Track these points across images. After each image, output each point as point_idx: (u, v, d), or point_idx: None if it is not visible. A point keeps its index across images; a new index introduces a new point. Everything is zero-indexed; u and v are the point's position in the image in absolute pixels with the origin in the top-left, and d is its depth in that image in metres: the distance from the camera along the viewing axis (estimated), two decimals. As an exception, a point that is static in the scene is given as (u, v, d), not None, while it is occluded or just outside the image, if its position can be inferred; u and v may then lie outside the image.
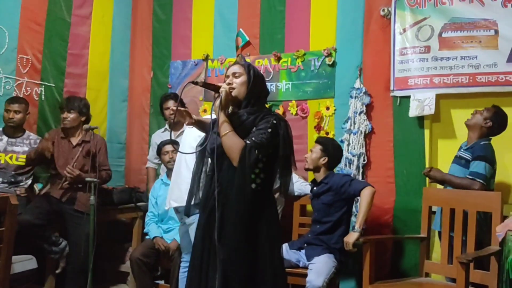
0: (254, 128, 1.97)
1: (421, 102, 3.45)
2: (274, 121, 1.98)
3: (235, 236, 1.90)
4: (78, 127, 3.55)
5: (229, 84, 2.03)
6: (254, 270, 1.95)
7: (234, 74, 2.05)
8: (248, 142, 1.91)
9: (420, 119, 3.52)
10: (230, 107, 2.05)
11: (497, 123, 3.02)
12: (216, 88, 2.02)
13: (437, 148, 3.50)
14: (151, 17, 4.83)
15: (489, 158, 2.92)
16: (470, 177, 2.88)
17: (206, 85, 2.07)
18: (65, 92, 4.18)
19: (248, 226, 1.93)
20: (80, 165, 3.46)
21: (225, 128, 1.93)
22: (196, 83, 2.03)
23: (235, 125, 1.97)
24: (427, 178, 3.43)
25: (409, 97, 3.53)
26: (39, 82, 4.00)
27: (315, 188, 3.26)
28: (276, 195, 2.21)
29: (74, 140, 3.53)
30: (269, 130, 1.94)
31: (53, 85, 4.10)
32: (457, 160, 3.06)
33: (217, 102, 1.97)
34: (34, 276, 3.32)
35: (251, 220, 1.94)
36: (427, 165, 3.48)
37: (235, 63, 2.14)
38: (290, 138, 2.05)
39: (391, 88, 3.62)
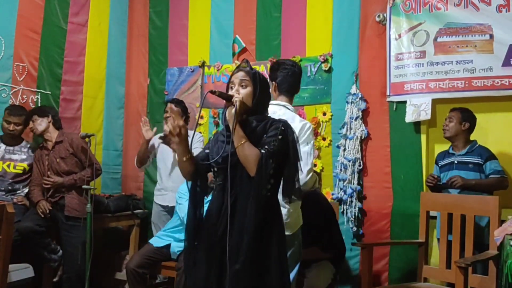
0: (265, 135, 1.96)
1: (417, 107, 3.46)
2: (283, 128, 1.97)
3: (250, 246, 1.88)
4: (46, 130, 3.51)
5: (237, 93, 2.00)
6: (263, 280, 1.93)
7: (240, 83, 2.02)
8: (263, 151, 1.90)
9: (417, 124, 3.53)
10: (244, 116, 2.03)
11: (471, 118, 3.16)
12: (229, 97, 1.98)
13: (433, 152, 3.50)
14: (147, 24, 4.84)
15: (495, 156, 3.06)
16: (499, 175, 3.01)
17: (222, 95, 2.01)
18: (61, 99, 4.18)
19: (261, 234, 1.92)
20: (60, 168, 3.46)
21: (240, 139, 1.91)
22: (214, 92, 2.00)
23: (246, 133, 1.95)
24: (424, 183, 3.45)
25: (405, 102, 3.55)
26: (36, 89, 3.99)
27: None
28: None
29: (50, 145, 3.52)
30: (280, 137, 1.94)
31: (50, 92, 4.10)
32: (461, 166, 3.10)
33: (232, 111, 1.94)
34: (31, 285, 3.29)
35: (264, 227, 1.93)
36: (424, 170, 3.49)
37: (240, 69, 2.08)
38: (298, 144, 2.05)
39: (387, 93, 3.64)
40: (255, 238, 1.88)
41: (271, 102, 2.35)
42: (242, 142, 1.91)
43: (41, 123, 3.49)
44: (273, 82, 2.53)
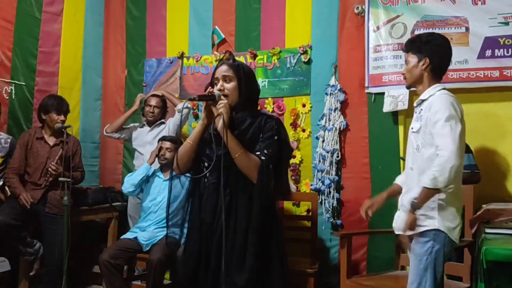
0: (261, 134, 1.94)
1: (395, 98, 3.50)
2: (276, 127, 1.96)
3: (256, 245, 1.87)
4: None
5: (220, 90, 1.96)
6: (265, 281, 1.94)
7: (224, 78, 1.97)
8: (263, 158, 1.88)
9: (395, 115, 3.58)
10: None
11: None
12: (212, 97, 1.93)
13: (411, 143, 3.55)
14: (124, 14, 4.77)
15: (470, 149, 3.07)
16: (469, 170, 2.98)
17: (203, 98, 1.95)
18: (36, 90, 4.08)
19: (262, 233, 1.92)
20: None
21: (236, 150, 1.87)
22: (193, 99, 1.94)
23: (237, 129, 1.93)
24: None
25: (383, 93, 3.58)
26: (10, 80, 3.89)
27: None
28: None
29: (51, 140, 3.44)
30: (275, 137, 1.93)
31: (24, 83, 4.00)
32: None
33: (220, 123, 1.88)
34: (7, 279, 3.24)
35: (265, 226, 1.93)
36: (401, 161, 3.53)
37: (223, 62, 2.02)
38: (288, 141, 2.06)
39: (366, 85, 3.67)
40: (259, 237, 1.87)
41: (436, 87, 2.17)
42: (240, 152, 1.87)
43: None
44: (425, 59, 2.19)
